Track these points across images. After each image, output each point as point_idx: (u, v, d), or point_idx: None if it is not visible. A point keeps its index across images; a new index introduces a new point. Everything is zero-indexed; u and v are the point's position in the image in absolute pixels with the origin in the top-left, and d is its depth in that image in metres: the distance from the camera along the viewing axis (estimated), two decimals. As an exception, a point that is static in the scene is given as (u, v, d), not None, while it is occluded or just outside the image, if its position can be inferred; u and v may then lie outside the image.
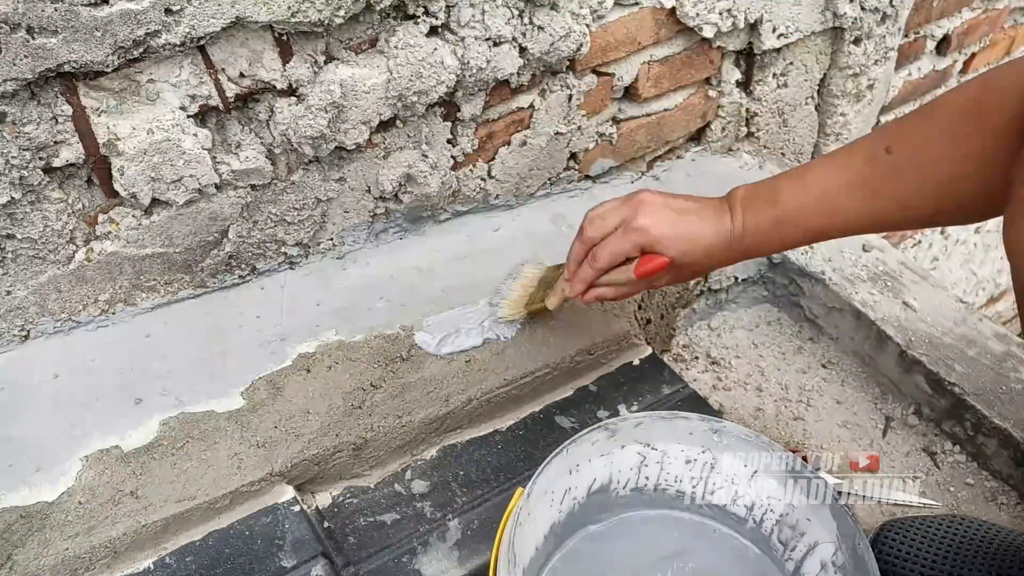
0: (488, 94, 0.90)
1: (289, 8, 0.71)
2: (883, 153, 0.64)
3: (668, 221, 0.71)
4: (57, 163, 0.71)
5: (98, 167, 0.74)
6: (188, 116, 0.74)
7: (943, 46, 1.37)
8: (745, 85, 1.13)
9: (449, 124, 0.90)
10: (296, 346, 0.82)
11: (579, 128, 1.00)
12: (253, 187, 0.82)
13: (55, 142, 0.70)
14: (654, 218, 0.71)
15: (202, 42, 0.70)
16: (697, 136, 1.16)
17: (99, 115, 0.70)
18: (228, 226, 0.84)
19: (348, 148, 0.84)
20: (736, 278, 1.01)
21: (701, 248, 0.71)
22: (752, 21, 1.03)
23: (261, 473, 0.71)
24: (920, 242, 1.77)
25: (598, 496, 0.69)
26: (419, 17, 0.79)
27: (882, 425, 0.89)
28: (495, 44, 0.85)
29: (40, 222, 0.73)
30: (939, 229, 1.79)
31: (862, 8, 1.10)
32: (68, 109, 0.69)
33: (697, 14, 0.97)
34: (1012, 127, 0.57)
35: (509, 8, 0.83)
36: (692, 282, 0.97)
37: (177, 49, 0.69)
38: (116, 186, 0.74)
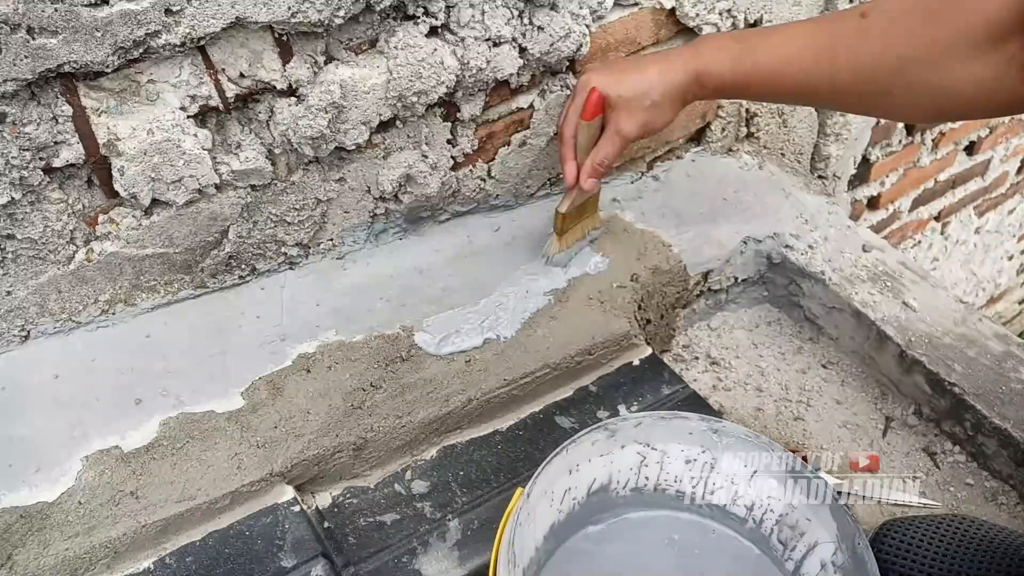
0: (488, 94, 0.90)
1: (289, 8, 0.71)
2: (857, 17, 0.64)
3: (609, 67, 0.77)
4: (57, 163, 0.71)
5: (98, 167, 0.74)
6: (188, 116, 0.74)
7: (943, 46, 1.36)
8: (745, 85, 1.13)
9: (449, 124, 0.90)
10: (296, 346, 0.82)
11: (579, 128, 1.00)
12: (253, 187, 0.82)
13: (55, 142, 0.70)
14: (596, 72, 0.78)
15: (202, 42, 0.70)
16: (697, 136, 1.16)
17: (99, 115, 0.71)
18: (228, 226, 0.84)
19: (348, 148, 0.84)
20: (736, 278, 1.01)
21: (646, 78, 0.74)
22: (752, 21, 1.03)
23: (261, 473, 0.71)
24: (920, 242, 1.77)
25: (598, 496, 0.69)
26: (419, 17, 0.79)
27: (882, 425, 0.89)
28: (495, 44, 0.85)
29: (40, 222, 0.73)
30: (939, 228, 1.79)
31: (862, 8, 1.10)
32: (68, 109, 0.69)
33: (697, 14, 0.97)
34: (984, 32, 0.57)
35: (509, 8, 0.83)
36: (692, 282, 0.97)
37: (177, 49, 0.69)
38: (116, 186, 0.74)
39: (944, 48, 0.59)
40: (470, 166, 0.96)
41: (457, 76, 0.84)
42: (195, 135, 0.74)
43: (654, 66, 0.76)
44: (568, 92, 0.95)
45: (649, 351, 0.89)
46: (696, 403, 0.83)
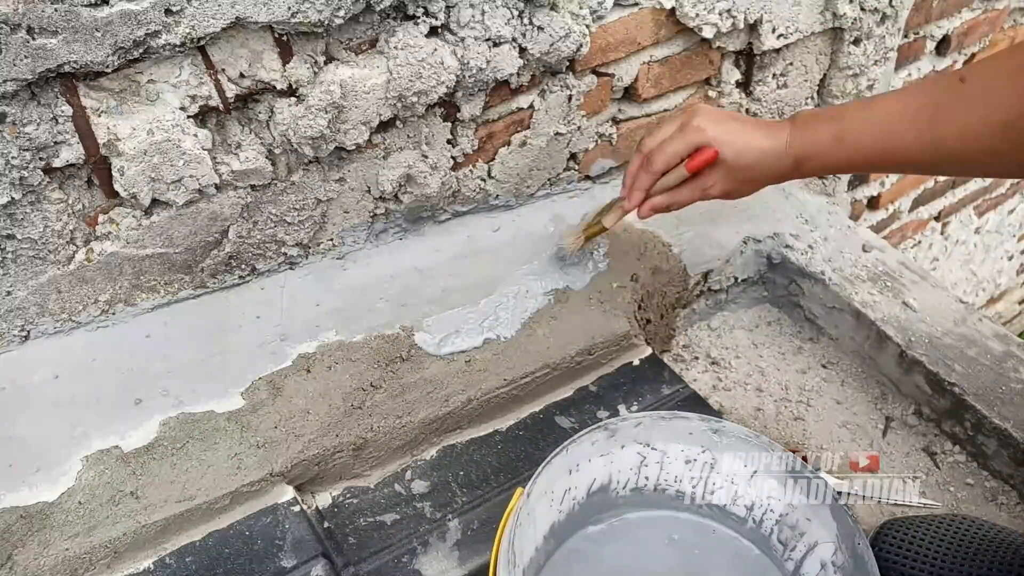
0: (488, 94, 0.90)
1: (289, 8, 0.71)
2: (956, 82, 0.64)
3: (723, 122, 0.74)
4: (57, 163, 0.71)
5: (98, 167, 0.74)
6: (188, 116, 0.74)
7: (943, 47, 1.37)
8: (745, 85, 1.13)
9: (449, 124, 0.90)
10: (296, 346, 0.82)
11: (579, 128, 1.00)
12: (253, 187, 0.82)
13: (55, 142, 0.70)
14: (710, 120, 0.74)
15: (202, 42, 0.70)
16: (697, 136, 1.16)
17: (99, 115, 0.71)
18: (228, 226, 0.84)
19: (348, 148, 0.84)
20: (736, 278, 1.01)
21: (754, 151, 0.73)
22: (752, 21, 1.03)
23: (261, 473, 0.71)
24: (920, 242, 1.77)
25: (598, 496, 0.69)
26: (419, 17, 0.79)
27: (882, 425, 0.89)
28: (495, 44, 0.85)
29: (40, 222, 0.73)
30: (939, 228, 1.79)
31: (862, 8, 1.10)
32: (68, 109, 0.69)
33: (697, 14, 0.97)
34: None
35: (509, 8, 0.83)
36: (692, 282, 0.97)
37: (177, 49, 0.69)
38: (116, 186, 0.74)
39: None
40: (470, 166, 0.96)
41: (457, 76, 0.84)
42: (195, 135, 0.74)
43: (765, 141, 0.73)
44: (568, 93, 0.95)
45: (649, 351, 0.89)
46: (696, 403, 0.83)
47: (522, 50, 0.87)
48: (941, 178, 1.67)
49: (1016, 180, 1.92)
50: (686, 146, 0.75)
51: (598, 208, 0.90)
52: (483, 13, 0.82)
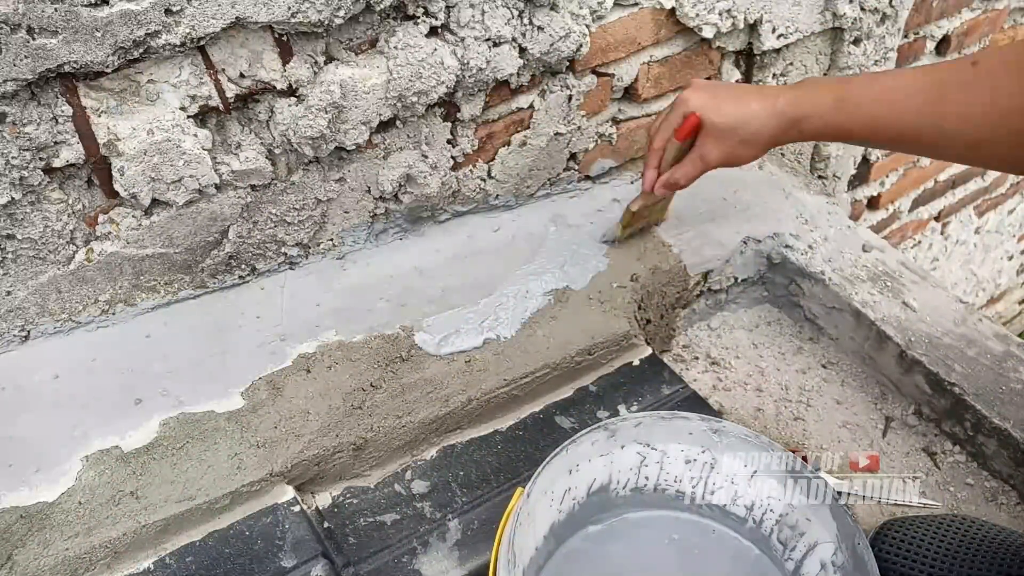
0: (488, 94, 0.90)
1: (289, 8, 0.71)
2: (968, 65, 0.64)
3: (710, 90, 0.78)
4: (57, 163, 0.71)
5: (98, 167, 0.74)
6: (188, 116, 0.74)
7: (943, 47, 1.37)
8: (745, 85, 1.13)
9: (449, 124, 0.90)
10: (296, 346, 0.82)
11: (579, 128, 1.00)
12: (253, 187, 0.82)
13: (55, 142, 0.70)
14: (697, 90, 0.79)
15: (202, 42, 0.70)
16: (697, 136, 1.16)
17: (99, 115, 0.71)
18: (228, 226, 0.84)
19: (348, 148, 0.84)
20: (736, 278, 1.01)
21: (740, 112, 0.75)
22: (752, 21, 1.03)
23: (261, 473, 0.71)
24: (920, 242, 1.77)
25: (598, 496, 0.69)
26: (419, 17, 0.79)
27: (882, 425, 0.89)
28: (495, 44, 0.85)
29: (40, 222, 0.73)
30: (939, 228, 1.79)
31: (862, 8, 1.11)
32: (68, 109, 0.69)
33: (697, 14, 0.97)
34: None
35: (509, 8, 0.83)
36: (692, 282, 0.97)
37: (177, 49, 0.69)
38: (116, 186, 0.74)
39: None
40: (470, 166, 0.96)
41: (457, 76, 0.84)
42: (195, 135, 0.74)
43: (755, 102, 0.76)
44: (568, 93, 0.95)
45: (649, 351, 0.89)
46: (696, 403, 0.83)
47: (522, 50, 0.87)
48: (941, 178, 1.67)
49: (1016, 180, 1.92)
50: (676, 116, 0.79)
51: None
52: (483, 13, 0.82)
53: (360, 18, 0.77)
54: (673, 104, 0.81)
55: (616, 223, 0.96)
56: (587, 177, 1.07)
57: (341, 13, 0.74)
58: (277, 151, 0.81)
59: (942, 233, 1.82)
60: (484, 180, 0.98)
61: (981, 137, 0.64)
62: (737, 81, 1.11)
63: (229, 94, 0.75)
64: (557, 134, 0.98)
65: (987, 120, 0.62)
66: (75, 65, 0.65)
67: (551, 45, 0.88)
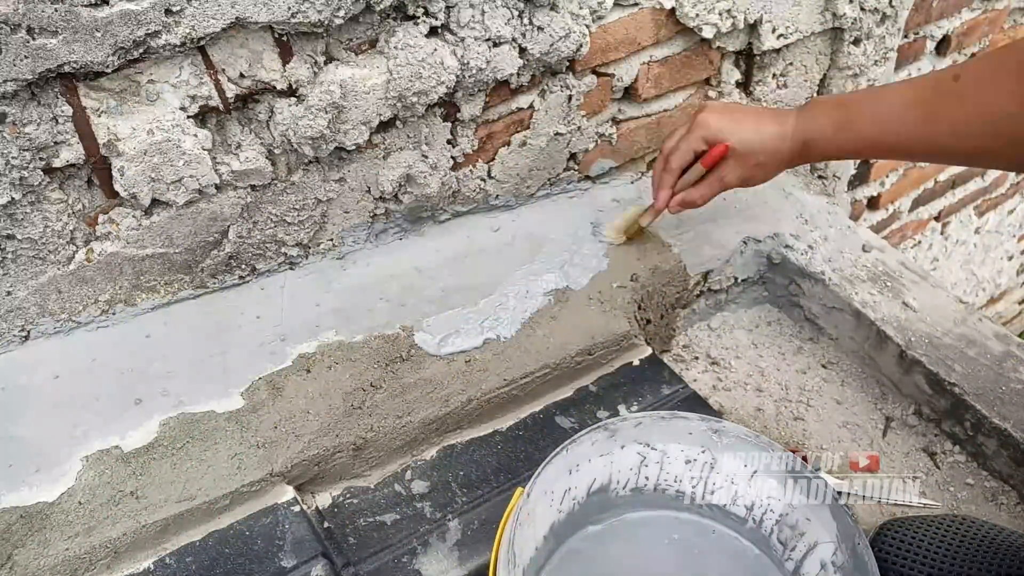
0: (488, 94, 0.90)
1: (289, 8, 0.71)
2: (950, 80, 0.67)
3: (728, 114, 0.81)
4: (57, 163, 0.71)
5: (98, 167, 0.74)
6: (188, 116, 0.74)
7: (943, 47, 1.37)
8: (745, 86, 1.13)
9: (449, 124, 0.90)
10: (296, 346, 0.82)
11: (579, 128, 1.00)
12: (253, 187, 0.82)
13: (55, 143, 0.70)
14: (715, 113, 0.81)
15: (202, 43, 0.70)
16: (697, 136, 1.16)
17: (99, 115, 0.71)
18: (228, 226, 0.84)
19: (348, 148, 0.84)
20: (736, 278, 1.01)
21: (762, 138, 0.78)
22: (752, 22, 1.03)
23: (261, 473, 0.71)
24: (920, 242, 1.77)
25: (598, 496, 0.69)
26: (419, 18, 0.79)
27: (882, 425, 0.89)
28: (495, 45, 0.85)
29: (40, 222, 0.73)
30: (939, 228, 1.79)
31: (862, 9, 1.11)
32: (68, 109, 0.69)
33: (697, 15, 0.97)
34: None
35: (509, 8, 0.83)
36: (692, 282, 0.97)
37: (177, 50, 0.69)
38: (116, 186, 0.74)
39: None
40: (470, 166, 0.96)
41: (457, 76, 0.84)
42: (195, 135, 0.74)
43: (770, 125, 0.79)
44: (568, 93, 0.95)
45: (649, 351, 0.89)
46: (696, 403, 0.83)
47: (522, 50, 0.87)
48: (941, 178, 1.67)
49: (1016, 180, 1.92)
50: (696, 141, 0.81)
51: (640, 208, 0.95)
52: (483, 13, 0.82)
53: (360, 18, 0.77)
54: (691, 126, 0.82)
55: (615, 223, 0.96)
56: (587, 177, 1.07)
57: (341, 13, 0.74)
58: (277, 151, 0.81)
59: (942, 233, 1.82)
60: (484, 180, 0.98)
61: (976, 146, 0.66)
62: (736, 82, 1.11)
63: (229, 94, 0.75)
64: (557, 134, 0.98)
65: (977, 131, 0.65)
66: (75, 65, 0.65)
67: (551, 45, 0.88)
